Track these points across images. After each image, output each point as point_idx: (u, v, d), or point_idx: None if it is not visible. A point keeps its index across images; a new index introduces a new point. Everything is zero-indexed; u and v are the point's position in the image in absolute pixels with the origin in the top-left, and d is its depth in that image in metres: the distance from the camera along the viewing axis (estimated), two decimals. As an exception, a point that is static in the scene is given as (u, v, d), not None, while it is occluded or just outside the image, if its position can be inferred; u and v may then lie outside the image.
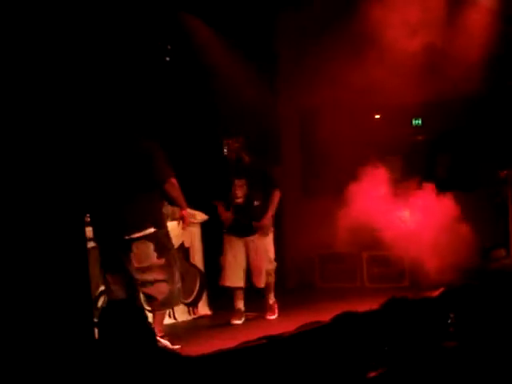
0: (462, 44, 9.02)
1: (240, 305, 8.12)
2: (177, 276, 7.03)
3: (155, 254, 6.81)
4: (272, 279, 8.18)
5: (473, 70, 8.88)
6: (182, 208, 7.16)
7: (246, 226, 8.04)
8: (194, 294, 8.42)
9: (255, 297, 8.21)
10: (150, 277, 6.85)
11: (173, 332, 7.49)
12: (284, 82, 10.11)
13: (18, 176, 4.62)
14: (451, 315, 3.76)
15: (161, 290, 6.90)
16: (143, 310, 3.86)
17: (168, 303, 7.07)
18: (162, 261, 6.86)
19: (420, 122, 10.94)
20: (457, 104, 9.37)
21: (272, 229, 8.13)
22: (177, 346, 6.90)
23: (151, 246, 6.81)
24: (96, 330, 4.80)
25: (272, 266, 8.15)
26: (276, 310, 8.19)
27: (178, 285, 7.04)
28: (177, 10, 9.19)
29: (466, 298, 3.77)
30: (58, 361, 4.56)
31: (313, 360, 4.01)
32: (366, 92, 8.84)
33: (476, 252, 8.77)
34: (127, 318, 3.55)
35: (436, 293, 4.36)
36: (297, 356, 4.50)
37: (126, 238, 6.75)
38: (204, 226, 8.66)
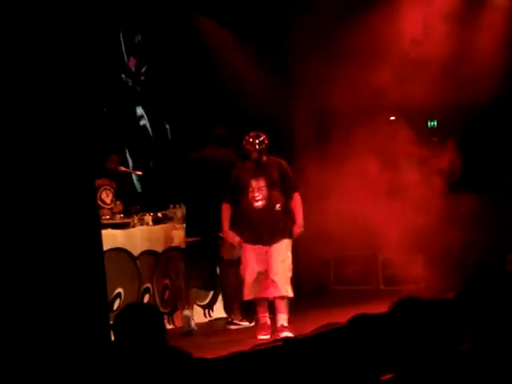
0: (478, 45, 9.00)
1: (265, 318, 7.45)
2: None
3: (237, 248, 7.70)
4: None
5: (489, 71, 8.85)
6: None
7: (268, 235, 7.36)
8: (210, 296, 8.47)
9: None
10: (234, 269, 7.78)
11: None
12: (299, 81, 10.08)
13: (36, 181, 4.65)
14: (467, 317, 3.75)
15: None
16: (161, 313, 3.88)
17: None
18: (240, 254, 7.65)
19: (435, 123, 10.90)
20: (473, 105, 9.33)
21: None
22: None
23: None
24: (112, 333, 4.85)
25: (290, 273, 7.41)
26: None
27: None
28: (190, 11, 9.26)
29: (481, 300, 3.76)
30: (74, 363, 4.58)
31: (328, 362, 4.01)
32: (381, 93, 8.81)
33: (492, 254, 8.73)
34: (143, 320, 3.55)
35: (451, 295, 4.35)
36: (312, 358, 4.50)
37: (218, 234, 7.70)
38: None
